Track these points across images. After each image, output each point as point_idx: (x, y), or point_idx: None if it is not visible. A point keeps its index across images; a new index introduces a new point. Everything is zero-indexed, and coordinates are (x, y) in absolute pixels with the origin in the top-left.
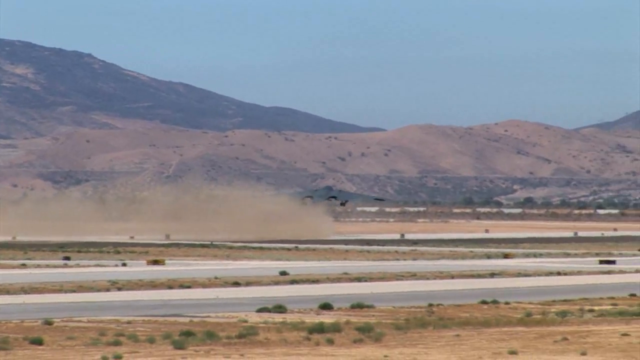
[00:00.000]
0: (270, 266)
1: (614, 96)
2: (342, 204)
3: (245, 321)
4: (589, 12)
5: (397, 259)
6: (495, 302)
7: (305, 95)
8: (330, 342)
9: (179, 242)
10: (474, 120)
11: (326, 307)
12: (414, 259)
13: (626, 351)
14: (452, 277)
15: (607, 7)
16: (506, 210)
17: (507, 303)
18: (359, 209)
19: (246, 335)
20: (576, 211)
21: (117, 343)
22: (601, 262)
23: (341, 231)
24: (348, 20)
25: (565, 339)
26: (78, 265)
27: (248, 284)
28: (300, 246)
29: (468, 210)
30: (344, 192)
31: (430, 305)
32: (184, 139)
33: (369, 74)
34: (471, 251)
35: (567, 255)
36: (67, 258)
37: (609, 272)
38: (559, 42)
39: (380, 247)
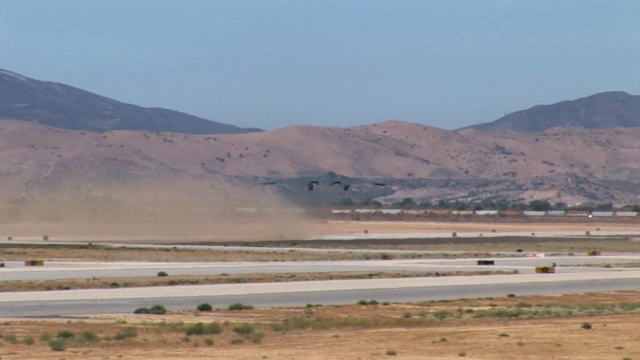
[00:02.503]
0: (149, 267)
1: (493, 97)
2: (345, 189)
3: (124, 322)
4: (466, 12)
5: (276, 260)
6: (374, 302)
7: (183, 96)
8: (209, 343)
9: (57, 243)
10: (353, 121)
11: (205, 308)
12: (293, 260)
13: (504, 352)
14: (331, 277)
15: (483, 8)
16: (385, 211)
17: (385, 304)
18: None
19: (124, 336)
20: (455, 212)
21: None
22: (479, 262)
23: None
24: (226, 21)
25: (444, 339)
26: None
27: (126, 285)
28: (179, 247)
29: (347, 211)
30: (347, 178)
31: (309, 306)
32: (63, 139)
33: (247, 74)
34: (350, 252)
35: (446, 256)
36: None
37: (487, 273)
38: (437, 42)
39: (259, 248)
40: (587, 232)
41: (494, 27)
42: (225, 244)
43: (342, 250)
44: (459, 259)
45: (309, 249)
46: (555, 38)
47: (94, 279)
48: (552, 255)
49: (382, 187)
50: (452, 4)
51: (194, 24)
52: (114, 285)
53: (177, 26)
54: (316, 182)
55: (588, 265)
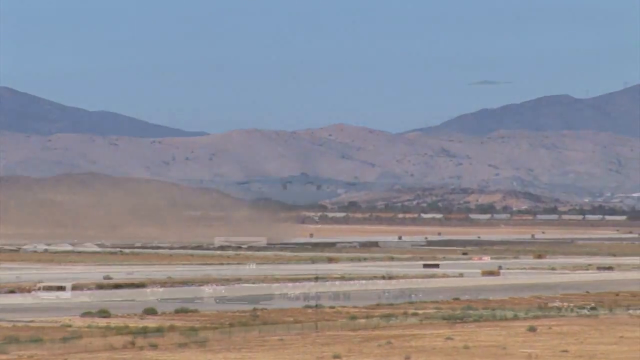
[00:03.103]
0: (95, 270)
1: (438, 100)
2: (318, 188)
3: (70, 326)
4: (412, 17)
5: (222, 263)
6: (319, 306)
7: (129, 99)
8: (155, 346)
9: (3, 246)
10: (299, 125)
11: (150, 311)
12: (239, 264)
13: (450, 355)
14: (277, 281)
15: (428, 13)
16: (330, 214)
17: (331, 307)
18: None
19: (70, 339)
20: (400, 215)
21: None
22: (425, 266)
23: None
24: (171, 25)
25: (390, 342)
26: None
27: (74, 288)
28: (125, 250)
29: (293, 214)
30: (319, 178)
31: (255, 309)
32: (8, 143)
33: (193, 78)
34: (296, 255)
35: (392, 259)
36: None
37: (432, 276)
38: (383, 46)
39: (204, 252)
40: (533, 236)
41: (440, 32)
42: (171, 247)
43: (287, 254)
44: (405, 262)
45: (255, 252)
46: (500, 42)
47: (41, 282)
48: (498, 258)
49: (354, 186)
50: (397, 10)
51: (139, 28)
52: (61, 288)
53: (123, 29)
54: (290, 182)
55: (534, 268)
